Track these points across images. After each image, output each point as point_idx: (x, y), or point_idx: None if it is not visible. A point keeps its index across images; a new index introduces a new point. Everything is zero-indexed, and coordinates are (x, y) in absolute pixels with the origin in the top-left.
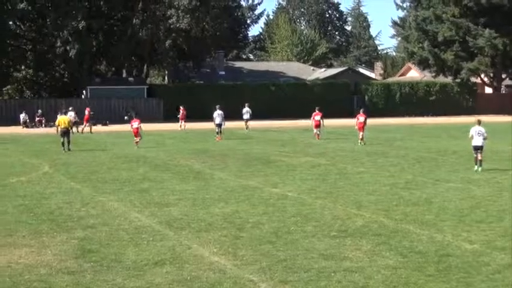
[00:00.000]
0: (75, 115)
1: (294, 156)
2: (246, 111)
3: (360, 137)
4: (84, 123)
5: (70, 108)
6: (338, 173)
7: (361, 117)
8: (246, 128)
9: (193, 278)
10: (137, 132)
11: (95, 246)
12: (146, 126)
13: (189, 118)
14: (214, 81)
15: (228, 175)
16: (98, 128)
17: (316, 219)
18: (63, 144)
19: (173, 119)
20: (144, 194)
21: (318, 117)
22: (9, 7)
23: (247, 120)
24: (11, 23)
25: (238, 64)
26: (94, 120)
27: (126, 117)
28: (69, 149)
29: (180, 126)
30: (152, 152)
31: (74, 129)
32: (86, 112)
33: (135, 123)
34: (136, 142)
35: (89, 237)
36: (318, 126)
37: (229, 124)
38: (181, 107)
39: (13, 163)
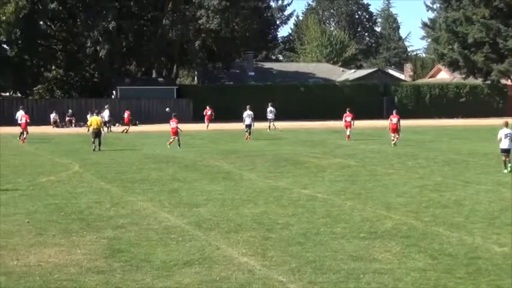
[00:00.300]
0: (108, 113)
1: (324, 157)
2: (270, 111)
3: (392, 138)
4: (127, 124)
5: (106, 106)
6: (367, 174)
7: (394, 119)
8: (269, 128)
9: (222, 279)
10: (176, 132)
11: (125, 246)
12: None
13: (218, 119)
14: (243, 82)
15: (257, 176)
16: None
17: (346, 220)
18: (94, 144)
19: (203, 119)
20: (174, 194)
21: (348, 118)
22: (40, 7)
23: (271, 120)
24: (41, 23)
25: (267, 65)
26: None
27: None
28: (99, 149)
29: (207, 126)
30: (181, 152)
31: (105, 129)
32: (126, 114)
33: (173, 123)
34: (171, 142)
35: (119, 236)
36: (348, 127)
37: (258, 125)
38: (207, 107)
39: (43, 163)
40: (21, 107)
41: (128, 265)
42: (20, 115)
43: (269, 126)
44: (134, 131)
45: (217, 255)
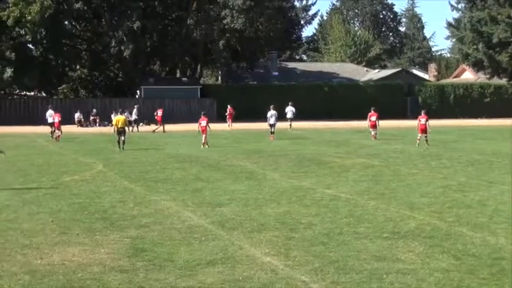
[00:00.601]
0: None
1: (347, 157)
2: (289, 110)
3: (418, 137)
4: (159, 124)
5: (136, 106)
6: (391, 174)
7: (422, 119)
8: (290, 127)
9: (245, 278)
10: (205, 130)
11: (148, 245)
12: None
13: (241, 118)
14: (267, 82)
15: (280, 175)
16: (152, 127)
17: (369, 220)
18: (118, 143)
19: (225, 119)
20: (197, 194)
21: (373, 118)
22: (65, 7)
23: (290, 119)
24: (66, 22)
25: (291, 65)
26: (147, 120)
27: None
28: (123, 149)
29: (229, 125)
30: (205, 151)
31: (134, 128)
32: (160, 113)
33: (203, 122)
34: (203, 143)
35: (142, 236)
36: (373, 126)
37: (281, 124)
38: (229, 107)
39: (68, 162)
40: (49, 106)
41: (151, 264)
42: (51, 114)
43: (290, 125)
44: (158, 130)
45: (240, 255)
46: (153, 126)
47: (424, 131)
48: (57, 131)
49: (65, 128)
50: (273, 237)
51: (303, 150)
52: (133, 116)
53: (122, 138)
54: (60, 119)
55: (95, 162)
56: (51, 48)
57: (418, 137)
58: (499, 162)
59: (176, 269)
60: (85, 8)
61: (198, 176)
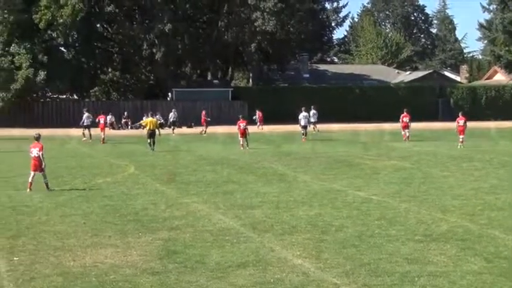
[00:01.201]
0: (173, 115)
1: (378, 159)
2: (313, 113)
3: (461, 140)
4: (203, 125)
5: (173, 111)
6: (423, 176)
7: (461, 121)
8: (314, 129)
9: (277, 281)
10: (243, 133)
11: (179, 248)
12: (230, 129)
13: (273, 120)
14: (298, 84)
15: (311, 178)
16: (183, 130)
17: (401, 223)
18: (150, 144)
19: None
20: (228, 196)
21: (406, 119)
22: (97, 10)
23: (314, 122)
24: (98, 25)
25: (322, 67)
26: (179, 122)
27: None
28: (153, 150)
29: (258, 127)
30: (236, 154)
31: (172, 130)
32: (202, 116)
33: (243, 124)
34: (242, 145)
35: (174, 238)
36: (405, 127)
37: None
38: (257, 111)
39: (100, 164)
40: (85, 109)
41: (183, 266)
42: (89, 116)
43: (314, 128)
44: (189, 132)
45: (272, 257)
46: (197, 129)
47: (462, 132)
48: (101, 134)
49: (97, 131)
50: (305, 240)
51: (334, 152)
52: (171, 119)
53: (152, 140)
54: (105, 120)
55: (126, 165)
56: (83, 51)
57: (460, 139)
58: None
59: (208, 271)
60: (117, 10)
61: (229, 178)
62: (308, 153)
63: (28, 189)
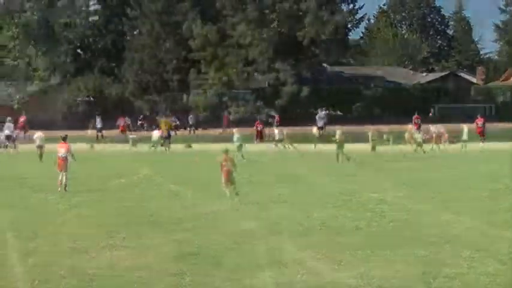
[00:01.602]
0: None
1: (394, 160)
2: (324, 114)
3: (482, 140)
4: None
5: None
6: (438, 178)
7: (479, 122)
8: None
9: (292, 282)
10: (259, 134)
11: (195, 249)
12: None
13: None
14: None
15: (327, 179)
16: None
17: (415, 224)
18: (162, 145)
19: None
20: (245, 197)
21: (418, 121)
22: None
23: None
24: None
25: (338, 68)
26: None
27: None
28: (168, 151)
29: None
30: (252, 155)
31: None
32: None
33: (259, 127)
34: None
35: (189, 239)
36: (481, 133)
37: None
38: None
39: (114, 166)
40: (96, 112)
41: (198, 268)
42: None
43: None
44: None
45: (287, 259)
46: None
47: (481, 133)
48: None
49: (113, 133)
50: (320, 241)
51: (349, 153)
52: (190, 121)
53: (167, 141)
54: (126, 123)
55: (141, 166)
56: None
57: (481, 140)
58: None
59: (223, 272)
60: None
61: (247, 179)
62: (323, 154)
63: (58, 188)
